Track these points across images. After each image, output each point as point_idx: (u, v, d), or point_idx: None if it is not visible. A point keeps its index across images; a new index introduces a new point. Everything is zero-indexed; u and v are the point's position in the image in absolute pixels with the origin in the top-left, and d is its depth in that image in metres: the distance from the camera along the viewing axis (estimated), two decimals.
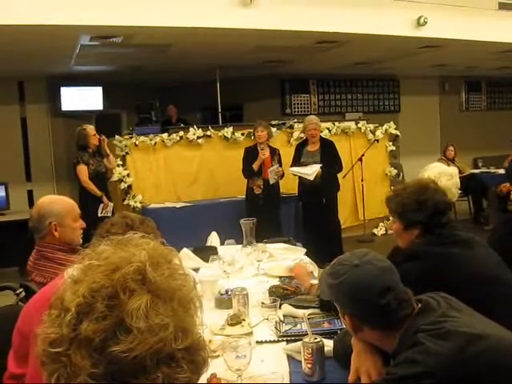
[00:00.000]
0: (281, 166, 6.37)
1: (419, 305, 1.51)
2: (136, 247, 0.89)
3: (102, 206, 5.94)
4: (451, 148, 8.75)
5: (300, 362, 1.80)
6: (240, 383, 1.70)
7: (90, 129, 6.04)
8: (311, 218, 6.32)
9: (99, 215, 5.85)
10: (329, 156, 6.19)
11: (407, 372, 1.35)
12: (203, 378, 1.69)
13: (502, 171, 8.46)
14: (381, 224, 8.27)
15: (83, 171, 5.85)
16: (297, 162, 6.32)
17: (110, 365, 0.76)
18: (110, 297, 0.80)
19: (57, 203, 2.53)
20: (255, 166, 6.19)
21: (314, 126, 6.29)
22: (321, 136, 6.51)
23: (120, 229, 2.03)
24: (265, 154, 6.20)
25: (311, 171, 6.10)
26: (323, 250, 5.84)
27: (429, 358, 1.34)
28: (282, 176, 6.39)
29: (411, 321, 1.47)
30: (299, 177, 6.33)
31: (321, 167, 6.08)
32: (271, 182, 6.24)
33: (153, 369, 0.78)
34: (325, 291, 1.59)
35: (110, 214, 6.01)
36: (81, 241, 2.56)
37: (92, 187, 5.86)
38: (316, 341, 1.78)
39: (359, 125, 8.17)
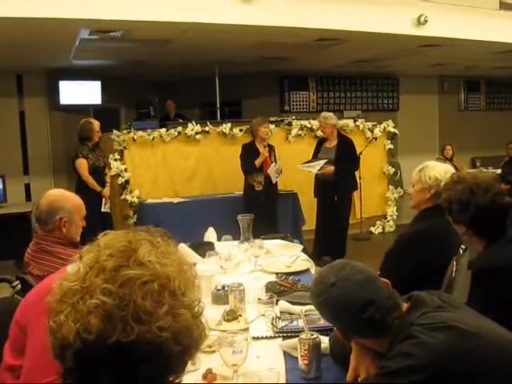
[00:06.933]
0: (276, 162, 6.37)
1: (410, 301, 1.52)
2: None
3: (104, 200, 5.92)
4: (448, 147, 8.78)
5: (296, 358, 1.80)
6: (236, 382, 1.69)
7: (97, 124, 5.94)
8: (321, 213, 6.35)
9: (102, 210, 5.84)
10: (344, 153, 6.16)
11: (401, 365, 1.36)
12: (198, 374, 1.69)
13: (499, 171, 8.48)
14: (378, 222, 8.28)
15: (83, 165, 5.81)
16: (313, 157, 6.33)
17: (121, 288, 0.86)
18: (123, 245, 0.93)
19: (70, 200, 2.53)
20: (257, 163, 6.15)
21: (321, 121, 6.32)
22: (340, 133, 6.48)
23: None
24: (267, 150, 6.20)
25: (315, 164, 6.11)
26: (326, 246, 5.90)
27: (423, 351, 1.34)
28: (281, 172, 6.39)
29: (405, 316, 1.47)
30: (315, 173, 6.31)
31: (334, 163, 6.07)
32: (274, 181, 6.24)
33: (159, 295, 0.88)
34: (314, 306, 1.62)
35: (109, 210, 6.01)
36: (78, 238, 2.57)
37: (92, 181, 5.83)
38: (313, 337, 1.77)
39: (357, 123, 8.18)
